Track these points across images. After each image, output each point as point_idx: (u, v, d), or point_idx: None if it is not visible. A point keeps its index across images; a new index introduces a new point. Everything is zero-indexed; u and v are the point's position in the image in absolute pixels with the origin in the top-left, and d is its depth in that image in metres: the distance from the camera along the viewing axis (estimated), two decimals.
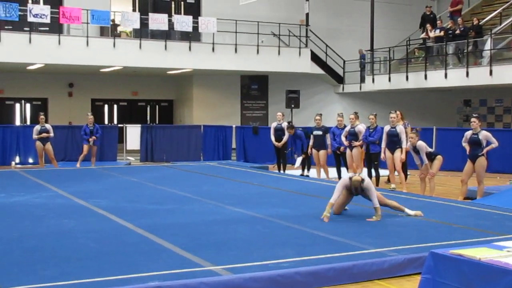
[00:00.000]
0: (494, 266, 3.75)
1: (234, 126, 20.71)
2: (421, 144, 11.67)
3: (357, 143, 13.64)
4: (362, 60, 24.62)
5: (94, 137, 16.93)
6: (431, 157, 11.72)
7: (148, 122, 25.36)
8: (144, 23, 20.31)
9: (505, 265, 3.73)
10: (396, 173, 13.12)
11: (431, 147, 12.58)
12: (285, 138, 15.91)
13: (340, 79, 25.41)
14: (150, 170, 16.15)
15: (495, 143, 11.29)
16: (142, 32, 20.91)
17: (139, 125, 20.48)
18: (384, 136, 12.84)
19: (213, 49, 21.48)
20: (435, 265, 4.11)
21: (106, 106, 25.53)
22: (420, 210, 8.99)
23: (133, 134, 19.85)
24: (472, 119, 11.47)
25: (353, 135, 13.75)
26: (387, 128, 12.84)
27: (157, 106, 26.27)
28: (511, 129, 21.79)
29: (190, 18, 20.83)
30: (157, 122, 25.69)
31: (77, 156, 17.23)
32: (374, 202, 8.48)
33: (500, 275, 3.68)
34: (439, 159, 11.77)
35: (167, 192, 11.54)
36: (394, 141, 12.66)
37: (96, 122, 17.75)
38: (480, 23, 21.10)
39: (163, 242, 6.92)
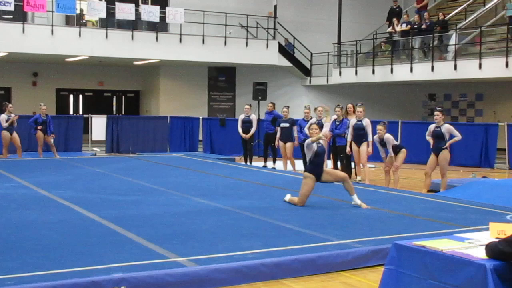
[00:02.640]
0: (456, 258, 3.80)
1: (201, 117, 20.65)
2: (388, 136, 11.79)
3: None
4: None
5: (53, 135, 16.68)
6: (396, 150, 11.85)
7: (114, 113, 25.11)
8: (110, 12, 20.09)
9: (466, 257, 3.78)
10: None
11: (396, 140, 12.70)
12: (252, 130, 15.92)
13: (307, 72, 25.49)
14: (115, 161, 16.02)
15: (458, 136, 11.45)
16: (109, 22, 20.68)
17: (105, 115, 20.27)
18: (350, 130, 12.91)
19: (180, 40, 21.35)
20: (398, 256, 4.16)
21: (71, 96, 25.21)
22: (383, 203, 9.11)
23: (98, 125, 19.64)
24: (436, 113, 11.62)
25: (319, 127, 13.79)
26: (353, 121, 12.92)
27: (123, 97, 26.04)
28: (475, 123, 22.11)
29: (157, 8, 20.67)
30: (123, 113, 25.47)
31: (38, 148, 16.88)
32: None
33: (461, 266, 3.73)
34: (403, 152, 11.91)
35: (133, 183, 11.46)
36: (360, 135, 12.74)
37: (61, 112, 17.52)
38: (445, 18, 21.35)
39: (128, 234, 6.87)
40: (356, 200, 8.93)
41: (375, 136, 12.06)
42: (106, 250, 6.08)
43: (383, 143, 11.87)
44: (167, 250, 6.08)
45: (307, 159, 9.02)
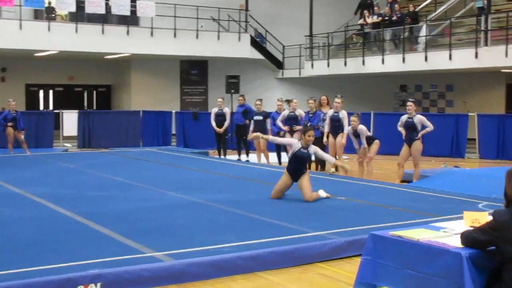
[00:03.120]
0: (432, 247, 3.84)
1: (173, 111, 20.55)
2: (362, 128, 11.86)
3: (298, 128, 13.72)
4: None
5: (23, 131, 16.45)
6: (369, 141, 11.92)
7: (85, 108, 24.86)
8: (80, 6, 19.84)
9: (442, 245, 3.82)
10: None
11: (369, 131, 12.78)
12: (226, 123, 15.89)
13: (279, 65, 25.51)
14: (88, 156, 15.87)
15: (430, 127, 11.57)
16: (78, 16, 20.43)
17: (76, 111, 20.05)
18: (328, 121, 12.92)
19: (151, 34, 21.19)
20: (375, 246, 4.18)
21: (41, 92, 24.88)
22: (357, 194, 9.18)
23: (70, 120, 19.43)
24: (408, 103, 11.72)
25: (293, 119, 13.83)
26: (330, 112, 12.93)
27: (94, 92, 25.79)
28: (445, 113, 22.35)
29: (128, 1, 20.46)
30: (94, 108, 25.22)
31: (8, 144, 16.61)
32: (328, 159, 9.74)
33: (437, 255, 3.77)
34: (376, 143, 11.98)
35: (106, 178, 11.37)
36: (336, 126, 12.73)
37: (31, 108, 17.29)
38: (415, 10, 21.51)
39: (103, 229, 6.82)
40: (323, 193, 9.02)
41: (349, 128, 12.12)
42: (81, 246, 6.02)
43: (356, 134, 11.94)
44: (143, 245, 6.05)
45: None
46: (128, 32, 20.83)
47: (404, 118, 11.73)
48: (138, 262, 5.42)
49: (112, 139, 19.61)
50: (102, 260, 5.46)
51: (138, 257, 5.61)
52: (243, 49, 23.04)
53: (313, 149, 9.07)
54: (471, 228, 3.87)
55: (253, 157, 15.39)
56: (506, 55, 16.82)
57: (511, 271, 3.53)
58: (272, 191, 9.01)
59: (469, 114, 17.75)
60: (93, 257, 5.53)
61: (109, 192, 9.60)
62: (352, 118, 11.93)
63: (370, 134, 12.23)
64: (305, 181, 8.83)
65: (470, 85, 23.21)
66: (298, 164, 8.95)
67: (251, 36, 23.59)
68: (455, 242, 3.84)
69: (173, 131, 20.31)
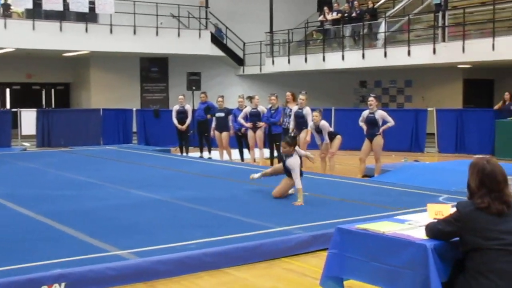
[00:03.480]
0: (398, 239, 3.88)
1: (134, 109, 20.36)
2: (324, 123, 11.93)
3: (261, 124, 13.73)
4: None
5: None
6: (331, 136, 12.00)
7: (44, 106, 24.46)
8: (37, 3, 19.47)
9: (407, 237, 3.87)
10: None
11: (330, 127, 12.86)
12: (188, 120, 15.82)
13: (240, 61, 25.50)
14: (47, 155, 15.63)
15: (391, 122, 11.71)
16: (36, 13, 20.07)
17: (35, 109, 19.71)
18: (292, 117, 12.96)
19: (111, 31, 20.96)
20: (342, 240, 4.21)
21: None
22: (321, 189, 9.23)
23: (28, 119, 19.07)
24: (370, 99, 11.83)
25: (256, 116, 13.83)
26: (295, 109, 12.97)
27: (52, 90, 25.39)
28: (405, 109, 22.64)
29: None
30: (53, 106, 24.84)
31: None
32: (296, 182, 8.37)
33: (403, 247, 3.81)
34: (338, 139, 12.07)
35: (67, 177, 11.21)
36: (300, 122, 12.77)
37: None
38: (374, 7, 21.73)
39: (65, 229, 6.72)
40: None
41: (311, 123, 12.18)
42: (43, 246, 5.93)
43: (318, 130, 12.00)
44: (107, 244, 5.99)
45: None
46: (86, 29, 20.56)
47: (365, 113, 11.84)
48: (102, 260, 5.36)
49: (72, 138, 19.31)
50: (66, 259, 5.38)
51: (103, 256, 5.55)
52: (203, 46, 22.97)
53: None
54: (435, 220, 3.93)
55: (215, 154, 15.35)
56: (463, 51, 17.13)
57: (474, 261, 3.59)
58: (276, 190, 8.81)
59: (428, 109, 18.02)
60: (56, 257, 5.45)
61: (70, 191, 9.46)
62: (314, 113, 12.00)
63: (331, 129, 12.32)
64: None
65: (429, 81, 23.55)
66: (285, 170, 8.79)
67: (211, 33, 23.53)
68: (420, 234, 3.89)
69: (134, 129, 20.12)
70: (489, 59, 17.18)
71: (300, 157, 8.67)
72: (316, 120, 11.91)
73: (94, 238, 6.22)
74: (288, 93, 13.93)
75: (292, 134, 11.13)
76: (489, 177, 3.67)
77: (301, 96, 12.88)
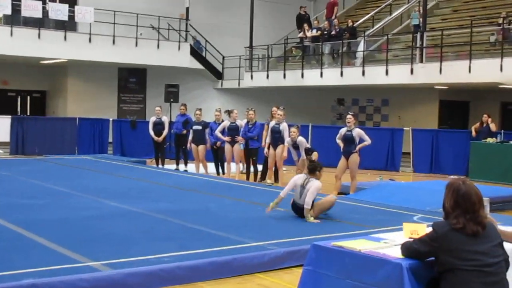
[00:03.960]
0: (373, 257, 3.89)
1: (111, 119, 20.24)
2: (301, 139, 11.96)
3: (239, 138, 13.71)
4: None
5: None
6: (308, 153, 12.01)
7: (19, 114, 24.17)
8: (16, 9, 19.34)
9: (383, 256, 3.88)
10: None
11: (307, 143, 12.90)
12: (164, 132, 15.77)
13: (219, 75, 25.51)
14: (21, 163, 15.45)
15: (368, 141, 11.76)
16: (14, 19, 19.90)
17: (9, 116, 19.48)
18: (269, 132, 12.96)
19: (90, 40, 20.86)
20: (317, 257, 4.21)
21: None
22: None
23: (2, 126, 18.84)
24: (348, 116, 11.88)
25: (234, 130, 13.80)
26: (271, 124, 12.98)
27: (28, 97, 25.11)
28: (381, 127, 22.80)
29: (66, 6, 20.11)
30: (28, 114, 24.56)
31: None
32: (306, 201, 8.13)
33: (379, 265, 3.82)
34: (315, 155, 12.07)
35: (41, 186, 11.08)
36: (276, 138, 12.77)
37: None
38: (354, 25, 21.92)
39: (37, 238, 6.63)
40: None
41: (288, 139, 12.19)
42: (15, 255, 5.84)
43: (296, 146, 12.02)
44: (80, 255, 5.91)
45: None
46: (65, 38, 20.43)
47: (343, 130, 11.88)
48: (75, 271, 5.29)
49: (46, 146, 19.11)
50: (37, 269, 5.30)
51: (75, 267, 5.47)
52: (182, 58, 22.95)
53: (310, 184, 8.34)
54: (411, 239, 3.94)
55: (191, 167, 15.30)
56: (440, 72, 17.32)
57: (449, 281, 3.61)
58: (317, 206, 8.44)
59: (404, 128, 18.17)
60: (27, 267, 5.36)
61: (43, 200, 9.35)
62: (292, 129, 12.03)
63: (308, 146, 12.35)
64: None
65: (405, 100, 23.76)
66: None
67: (191, 45, 23.53)
68: (396, 253, 3.90)
69: (110, 139, 19.99)
70: (465, 81, 17.40)
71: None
72: (293, 136, 11.93)
73: (67, 249, 6.14)
74: (274, 108, 13.86)
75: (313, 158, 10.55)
76: (464, 198, 3.70)
77: (279, 112, 12.90)
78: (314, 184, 8.22)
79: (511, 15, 18.29)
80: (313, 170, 8.43)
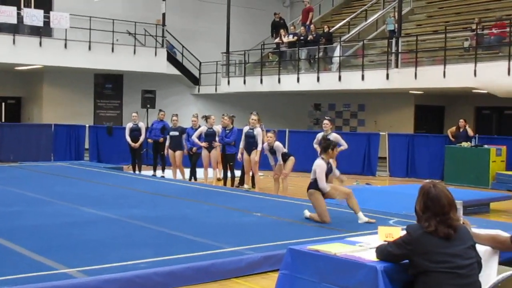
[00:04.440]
0: (349, 260, 3.92)
1: (87, 125, 20.12)
2: (278, 144, 12.00)
3: (217, 144, 13.71)
4: None
5: None
6: (284, 158, 12.07)
7: None
8: None
9: (358, 259, 3.91)
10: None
11: (284, 148, 12.93)
12: (141, 138, 15.72)
13: (196, 81, 25.49)
14: None
15: (344, 145, 11.82)
16: None
17: None
18: (243, 137, 12.98)
19: (65, 46, 20.70)
20: (293, 261, 4.23)
21: None
22: (273, 210, 9.21)
23: None
24: (325, 121, 11.95)
25: (212, 136, 13.79)
26: (245, 129, 13.01)
27: (3, 104, 24.84)
28: (358, 132, 22.92)
29: (41, 12, 19.92)
30: (3, 120, 24.30)
31: None
32: (321, 186, 8.40)
33: (354, 269, 3.85)
34: (291, 160, 12.15)
35: (15, 193, 10.97)
36: (250, 143, 12.82)
37: None
38: (330, 31, 22.04)
39: (12, 245, 6.56)
40: (362, 217, 8.48)
41: (265, 144, 12.22)
42: None
43: (272, 151, 12.05)
44: (55, 262, 5.87)
45: (312, 177, 8.59)
46: (40, 44, 20.26)
47: (320, 135, 11.93)
48: (50, 279, 5.25)
49: (22, 153, 18.94)
50: (12, 277, 5.25)
51: (50, 274, 5.43)
52: (159, 64, 22.87)
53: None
54: (386, 243, 3.98)
55: (168, 172, 15.25)
56: (415, 77, 17.48)
57: (423, 283, 3.65)
58: (322, 216, 8.41)
59: (380, 133, 18.30)
60: (2, 274, 5.32)
61: (18, 207, 9.26)
62: (269, 134, 12.06)
63: (285, 150, 12.39)
64: (332, 185, 8.73)
65: (381, 105, 23.92)
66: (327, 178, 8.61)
67: (167, 51, 23.47)
68: (371, 256, 3.94)
69: (86, 146, 19.86)
70: (440, 86, 17.57)
71: (330, 168, 8.67)
72: (270, 141, 11.97)
73: (42, 256, 6.09)
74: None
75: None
76: (433, 200, 3.75)
77: (253, 117, 12.94)
78: (316, 163, 8.44)
79: (484, 21, 18.52)
80: (326, 148, 8.61)
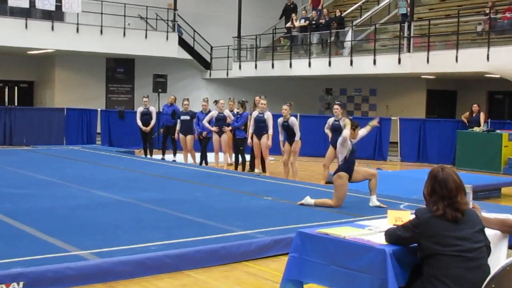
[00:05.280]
0: (358, 244, 3.94)
1: (99, 109, 20.19)
2: (293, 119, 11.91)
3: (227, 128, 13.74)
4: None
5: None
6: (292, 139, 11.96)
7: (6, 104, 24.06)
8: None
9: (367, 242, 3.93)
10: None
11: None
12: (152, 122, 15.77)
13: (207, 65, 25.48)
14: (9, 153, 15.40)
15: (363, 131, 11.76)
16: (1, 9, 19.76)
17: None
18: (252, 122, 12.98)
19: (77, 30, 20.75)
20: (302, 244, 4.25)
21: None
22: (283, 194, 9.25)
23: None
24: (335, 106, 11.92)
25: (222, 120, 13.82)
26: (255, 113, 13.01)
27: (16, 88, 24.97)
28: (369, 117, 22.86)
29: None
30: (16, 104, 24.43)
31: None
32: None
33: (363, 252, 3.87)
34: (298, 143, 12.07)
35: (28, 176, 11.06)
36: (260, 127, 12.79)
37: None
38: (342, 15, 21.93)
39: (25, 228, 6.64)
40: (374, 201, 8.52)
41: (280, 119, 12.08)
42: (2, 244, 5.85)
43: (286, 125, 11.88)
44: (67, 244, 5.93)
45: (342, 158, 8.41)
46: (52, 28, 20.31)
47: (331, 120, 11.92)
48: (62, 260, 5.31)
49: (34, 137, 19.09)
50: (25, 258, 5.32)
51: (63, 256, 5.49)
52: (170, 48, 22.87)
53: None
54: (395, 226, 4.00)
55: (179, 157, 15.31)
56: (427, 61, 17.39)
57: (431, 267, 3.67)
58: (339, 200, 8.38)
59: (392, 118, 18.25)
60: (15, 256, 5.39)
61: (30, 189, 9.35)
62: (284, 107, 11.89)
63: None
64: (357, 168, 8.64)
65: (393, 90, 23.84)
66: (354, 159, 8.57)
67: (179, 35, 23.46)
68: (380, 239, 3.95)
69: (98, 130, 19.95)
70: (452, 71, 17.48)
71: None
72: (285, 113, 11.86)
73: (55, 238, 6.16)
74: (257, 98, 13.90)
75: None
76: (440, 184, 3.76)
77: (262, 101, 12.92)
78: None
79: (498, 4, 18.35)
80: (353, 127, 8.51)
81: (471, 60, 16.51)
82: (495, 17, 17.43)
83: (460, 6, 20.41)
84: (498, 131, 15.72)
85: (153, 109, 15.97)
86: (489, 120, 16.77)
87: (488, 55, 16.00)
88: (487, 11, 17.39)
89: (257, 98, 13.97)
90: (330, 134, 11.94)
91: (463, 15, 18.63)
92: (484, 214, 4.22)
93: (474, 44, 17.49)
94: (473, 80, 21.60)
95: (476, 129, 15.96)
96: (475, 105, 16.69)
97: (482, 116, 16.46)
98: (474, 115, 16.54)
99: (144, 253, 5.68)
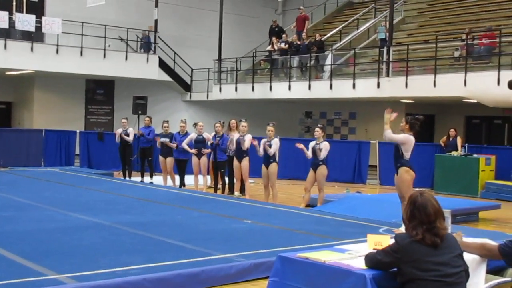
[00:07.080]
0: (338, 268, 3.95)
1: (78, 131, 20.08)
2: (276, 140, 12.01)
3: (206, 151, 13.73)
4: None
5: None
6: (269, 161, 12.01)
7: None
8: None
9: (347, 267, 3.94)
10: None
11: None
12: (130, 140, 15.68)
13: (187, 87, 25.51)
14: None
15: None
16: None
17: None
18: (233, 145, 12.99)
19: (57, 51, 20.69)
20: (283, 268, 4.25)
21: None
22: (263, 217, 9.23)
23: None
24: (316, 129, 11.95)
25: (201, 143, 13.82)
26: (236, 136, 13.03)
27: None
28: (348, 140, 22.99)
29: (33, 17, 19.89)
30: None
31: None
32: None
33: (343, 276, 3.88)
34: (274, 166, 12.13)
35: (5, 198, 10.93)
36: (241, 150, 12.83)
37: None
38: (322, 39, 22.13)
39: (1, 251, 6.53)
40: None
41: (263, 140, 12.13)
42: None
43: (270, 145, 11.97)
44: (45, 267, 5.85)
45: (406, 153, 9.18)
46: (32, 49, 20.24)
47: (312, 144, 11.94)
48: (40, 284, 5.24)
49: (12, 158, 18.86)
50: (2, 282, 5.23)
51: (40, 280, 5.42)
52: (151, 70, 22.88)
53: None
54: (375, 251, 4.01)
55: (158, 179, 15.25)
56: (406, 86, 17.57)
57: None
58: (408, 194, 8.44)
59: (371, 141, 18.36)
60: None
61: (7, 212, 9.23)
62: (269, 128, 12.07)
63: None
64: None
65: (372, 114, 23.95)
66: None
67: (159, 57, 23.49)
68: (360, 264, 3.96)
69: (77, 151, 19.82)
70: (430, 95, 17.67)
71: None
72: (270, 135, 11.99)
73: (32, 261, 6.08)
74: (233, 121, 14.00)
75: None
76: (419, 209, 3.80)
77: (243, 124, 12.98)
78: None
79: (475, 31, 18.65)
80: (413, 125, 9.14)
81: (449, 85, 16.72)
82: (472, 43, 17.69)
83: (438, 32, 20.71)
84: (475, 155, 15.90)
85: (131, 131, 15.91)
86: (467, 144, 16.96)
87: (465, 80, 16.22)
88: (465, 37, 17.66)
89: (232, 121, 14.01)
90: (310, 157, 11.91)
91: (441, 40, 18.89)
92: (465, 239, 4.26)
93: (451, 69, 17.72)
94: (451, 105, 21.85)
95: (454, 153, 16.12)
96: (452, 130, 16.88)
97: (459, 140, 16.63)
98: (451, 139, 16.71)
99: (123, 277, 5.62)
